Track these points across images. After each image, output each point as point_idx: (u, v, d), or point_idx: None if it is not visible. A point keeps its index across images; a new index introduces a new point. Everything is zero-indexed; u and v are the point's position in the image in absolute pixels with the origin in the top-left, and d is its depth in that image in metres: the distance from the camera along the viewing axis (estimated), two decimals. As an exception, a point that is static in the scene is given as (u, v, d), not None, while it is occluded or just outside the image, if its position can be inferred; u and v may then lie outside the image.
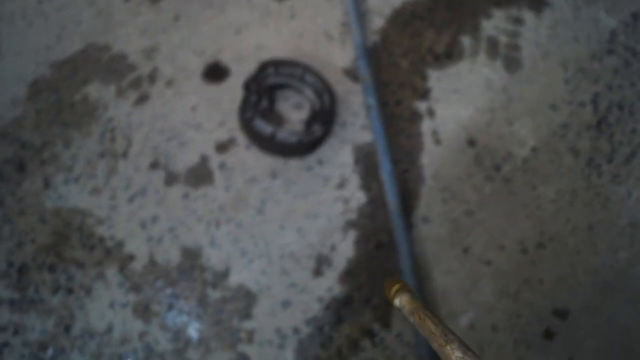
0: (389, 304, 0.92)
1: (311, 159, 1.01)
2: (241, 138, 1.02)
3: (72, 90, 1.05)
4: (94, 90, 1.05)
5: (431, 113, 1.07)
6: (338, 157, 1.02)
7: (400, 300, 0.78)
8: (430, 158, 1.04)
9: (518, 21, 1.19)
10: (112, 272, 0.93)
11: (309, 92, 1.02)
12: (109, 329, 0.89)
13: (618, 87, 1.14)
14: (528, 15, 1.20)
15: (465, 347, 0.51)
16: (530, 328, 0.95)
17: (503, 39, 1.16)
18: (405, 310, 0.78)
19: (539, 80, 1.13)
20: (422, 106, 1.08)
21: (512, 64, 1.14)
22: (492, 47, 1.15)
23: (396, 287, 0.79)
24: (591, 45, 1.18)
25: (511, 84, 1.12)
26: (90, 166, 0.99)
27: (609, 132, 1.09)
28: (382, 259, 0.96)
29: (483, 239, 0.99)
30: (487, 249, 0.98)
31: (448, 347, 0.54)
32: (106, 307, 0.91)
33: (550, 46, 1.17)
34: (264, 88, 1.01)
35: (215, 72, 1.07)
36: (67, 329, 0.89)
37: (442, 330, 0.60)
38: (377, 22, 1.15)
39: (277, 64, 1.03)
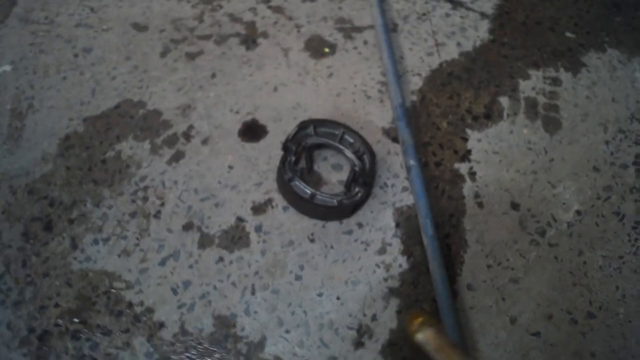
0: (410, 338, 0.78)
1: (351, 222, 0.91)
2: (278, 199, 0.93)
3: (104, 147, 0.96)
4: (127, 147, 0.96)
5: (472, 175, 0.98)
6: (378, 220, 0.92)
7: (424, 336, 0.66)
8: (473, 221, 0.93)
9: (555, 82, 1.10)
10: (140, 341, 0.82)
11: (349, 153, 0.93)
12: (135, 406, 0.78)
13: (659, 149, 1.04)
14: (565, 76, 1.12)
15: None
16: (587, 410, 0.83)
17: (541, 100, 1.08)
18: (429, 346, 0.65)
19: (580, 141, 1.04)
20: (463, 167, 0.98)
21: (551, 124, 1.05)
22: (531, 107, 1.07)
23: (419, 320, 0.67)
24: (629, 105, 1.10)
25: (552, 145, 1.03)
26: (120, 226, 0.90)
27: (653, 195, 0.99)
28: (427, 331, 0.85)
29: (530, 308, 0.88)
30: (535, 319, 0.87)
31: None
32: (133, 381, 0.79)
33: (588, 107, 1.08)
34: (303, 148, 0.92)
35: (252, 131, 0.99)
36: (90, 404, 0.78)
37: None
38: (415, 82, 1.07)
39: (316, 124, 0.94)
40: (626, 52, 1.17)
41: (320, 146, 0.95)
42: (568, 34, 1.18)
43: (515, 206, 0.95)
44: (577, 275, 0.91)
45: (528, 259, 0.91)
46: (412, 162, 0.94)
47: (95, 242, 0.88)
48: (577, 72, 1.13)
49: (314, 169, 0.95)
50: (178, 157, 0.95)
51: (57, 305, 0.84)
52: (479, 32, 1.15)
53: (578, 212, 0.96)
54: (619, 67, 1.15)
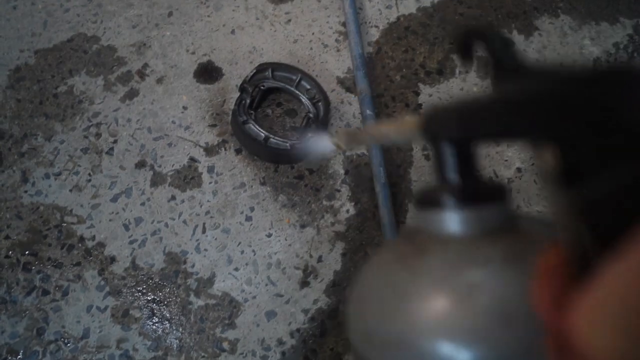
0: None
1: (302, 167, 0.97)
2: (231, 142, 0.97)
3: (56, 81, 0.98)
4: (80, 82, 0.98)
5: (422, 128, 1.05)
6: (329, 167, 0.98)
7: (337, 138, 0.71)
8: (419, 173, 1.01)
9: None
10: (91, 274, 0.86)
11: (305, 99, 0.98)
12: (85, 334, 0.83)
13: (599, 114, 1.14)
14: (517, 38, 1.19)
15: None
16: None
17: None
18: (342, 141, 0.71)
19: (526, 102, 1.12)
20: (413, 121, 1.05)
21: (500, 84, 1.13)
22: (483, 66, 1.14)
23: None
24: (575, 71, 1.18)
25: (499, 104, 1.11)
26: (72, 162, 0.93)
27: (589, 157, 1.09)
28: (369, 272, 0.93)
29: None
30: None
31: (383, 128, 0.45)
32: (83, 311, 0.84)
33: (537, 69, 1.16)
34: (259, 91, 0.96)
35: (208, 72, 1.02)
36: (40, 332, 0.83)
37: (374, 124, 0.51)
38: (372, 34, 1.12)
39: (274, 67, 0.98)
40: (578, 19, 1.24)
41: (276, 90, 0.99)
42: (524, -4, 1.24)
43: (460, 160, 1.03)
44: (512, 228, 1.00)
45: (468, 211, 1.00)
46: (368, 111, 1.00)
47: (47, 176, 0.91)
48: (530, 35, 1.20)
49: (268, 112, 1.00)
50: (132, 94, 0.98)
51: (7, 238, 0.87)
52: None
53: (519, 170, 1.05)
54: (569, 33, 1.22)
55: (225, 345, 0.85)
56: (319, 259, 0.92)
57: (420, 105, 1.06)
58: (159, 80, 1.00)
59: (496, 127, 0.26)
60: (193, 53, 1.03)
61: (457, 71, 1.12)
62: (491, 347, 0.25)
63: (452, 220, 0.29)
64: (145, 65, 1.01)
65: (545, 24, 1.22)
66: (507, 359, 0.25)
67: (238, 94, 0.96)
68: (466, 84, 1.10)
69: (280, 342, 0.87)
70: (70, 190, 0.91)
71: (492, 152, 1.04)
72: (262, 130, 0.93)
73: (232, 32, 1.07)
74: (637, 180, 0.19)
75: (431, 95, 1.08)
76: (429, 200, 0.31)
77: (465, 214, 0.29)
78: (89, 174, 0.92)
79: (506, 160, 1.05)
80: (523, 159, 1.05)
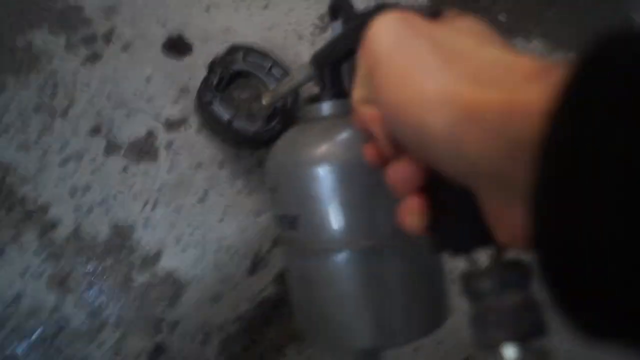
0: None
1: (263, 154, 0.98)
2: (194, 119, 0.97)
3: (14, 34, 0.95)
4: (40, 38, 0.96)
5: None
6: (290, 157, 0.99)
7: (265, 97, 0.97)
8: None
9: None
10: (30, 237, 0.84)
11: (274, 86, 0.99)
12: (17, 298, 0.81)
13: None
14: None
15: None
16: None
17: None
18: (268, 98, 0.94)
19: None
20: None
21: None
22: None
23: None
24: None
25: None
26: (22, 118, 0.90)
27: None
28: (319, 268, 0.94)
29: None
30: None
31: (289, 76, 0.86)
32: (17, 274, 0.82)
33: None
34: (228, 73, 0.97)
35: (177, 47, 1.01)
36: (-33, 292, 0.80)
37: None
38: (348, 31, 1.14)
39: (246, 51, 0.99)
40: (550, 45, 1.30)
41: (246, 74, 0.99)
42: (501, 18, 1.29)
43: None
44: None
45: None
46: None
47: (-8, 130, 0.89)
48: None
49: (235, 95, 1.00)
50: (94, 58, 0.97)
51: (-59, 189, 0.84)
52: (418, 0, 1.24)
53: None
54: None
55: (164, 325, 0.85)
56: (270, 249, 0.93)
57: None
58: (125, 48, 0.99)
59: (343, 48, 0.57)
60: (164, 26, 1.03)
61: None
62: (341, 161, 0.58)
63: (326, 107, 0.64)
64: (112, 30, 0.99)
65: (518, 45, 1.27)
66: (347, 167, 0.58)
67: (206, 72, 0.96)
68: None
69: (221, 328, 0.87)
70: (17, 148, 0.88)
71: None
72: (226, 112, 0.94)
73: (207, 9, 1.06)
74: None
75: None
76: (314, 99, 0.64)
77: (334, 103, 0.63)
78: (38, 135, 0.90)
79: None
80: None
